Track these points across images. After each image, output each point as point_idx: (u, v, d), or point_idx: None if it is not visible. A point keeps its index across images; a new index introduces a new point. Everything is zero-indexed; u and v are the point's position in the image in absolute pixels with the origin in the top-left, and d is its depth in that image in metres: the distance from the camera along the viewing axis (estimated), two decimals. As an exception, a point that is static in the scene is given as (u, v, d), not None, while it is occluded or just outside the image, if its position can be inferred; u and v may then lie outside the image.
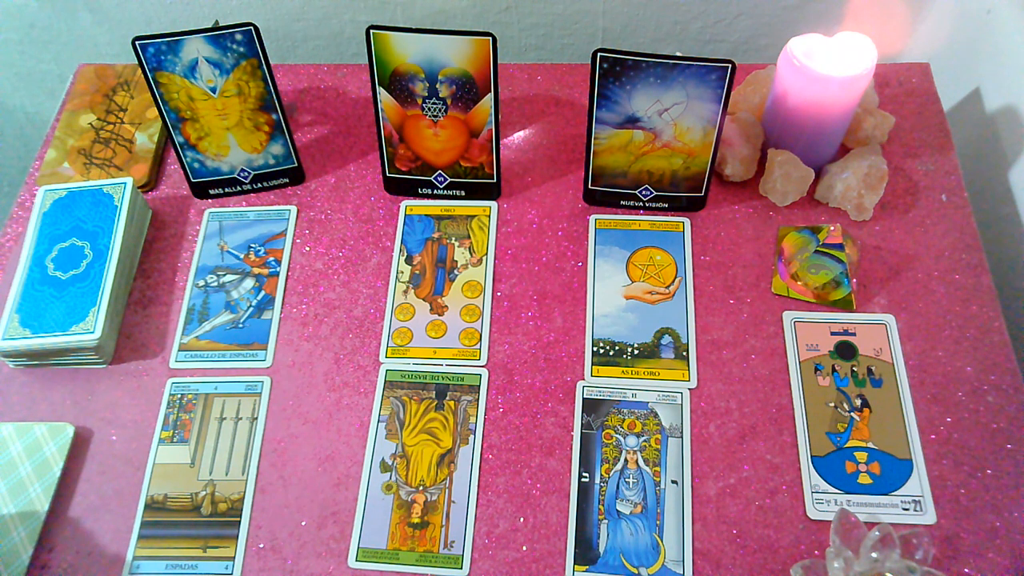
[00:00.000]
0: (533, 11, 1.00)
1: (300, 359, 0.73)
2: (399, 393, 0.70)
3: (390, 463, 0.67)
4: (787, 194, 0.78)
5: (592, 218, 0.79)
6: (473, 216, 0.80)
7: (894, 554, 0.57)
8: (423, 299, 0.75)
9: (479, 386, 0.70)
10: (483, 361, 0.71)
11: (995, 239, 0.82)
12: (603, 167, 0.76)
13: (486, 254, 0.77)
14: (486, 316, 0.74)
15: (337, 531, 0.65)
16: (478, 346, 0.72)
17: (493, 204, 0.80)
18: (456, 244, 0.78)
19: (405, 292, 0.76)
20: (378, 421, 0.69)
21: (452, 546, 0.63)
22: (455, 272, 0.76)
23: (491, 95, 0.73)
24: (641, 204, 0.79)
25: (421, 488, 0.66)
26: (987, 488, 0.64)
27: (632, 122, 0.72)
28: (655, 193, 0.78)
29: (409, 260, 0.77)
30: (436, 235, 0.79)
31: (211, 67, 0.74)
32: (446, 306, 0.75)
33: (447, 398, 0.70)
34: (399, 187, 0.81)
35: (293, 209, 0.81)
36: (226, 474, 0.67)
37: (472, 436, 0.68)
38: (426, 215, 0.80)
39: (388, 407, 0.69)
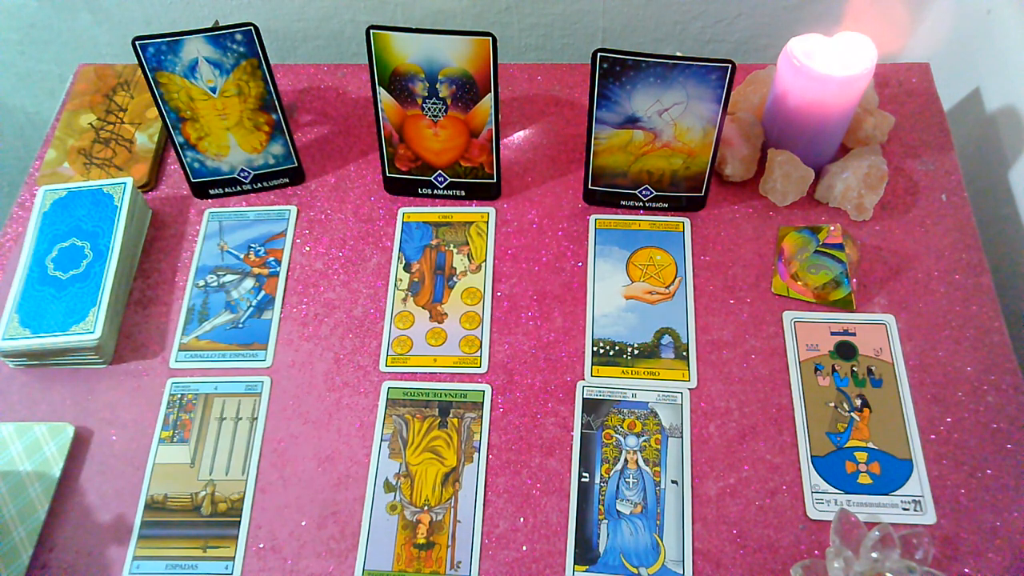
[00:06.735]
0: (533, 11, 1.00)
1: (300, 359, 0.73)
2: (401, 411, 0.69)
3: (394, 483, 0.66)
4: (787, 194, 0.78)
5: (592, 218, 0.79)
6: (471, 223, 0.80)
7: (894, 554, 0.57)
8: (422, 307, 0.75)
9: (482, 403, 0.70)
10: (484, 368, 0.71)
11: (995, 239, 0.82)
12: (603, 167, 0.76)
13: (485, 260, 0.77)
14: (486, 322, 0.73)
15: (337, 531, 0.65)
16: (478, 353, 0.72)
17: (491, 210, 0.80)
18: (455, 251, 0.78)
19: (404, 300, 0.75)
20: (381, 440, 0.68)
21: (459, 567, 0.63)
22: (454, 279, 0.76)
23: (491, 95, 0.73)
24: (641, 204, 0.79)
25: (426, 508, 0.65)
26: (987, 488, 0.64)
27: (632, 122, 0.72)
28: (655, 193, 0.78)
29: (408, 268, 0.77)
30: (434, 242, 0.79)
31: (211, 67, 0.74)
32: (446, 313, 0.74)
33: (450, 415, 0.69)
34: (399, 187, 0.81)
35: (293, 209, 0.81)
36: (226, 474, 0.67)
37: (476, 454, 0.67)
38: (424, 222, 0.80)
39: (391, 426, 0.69)
